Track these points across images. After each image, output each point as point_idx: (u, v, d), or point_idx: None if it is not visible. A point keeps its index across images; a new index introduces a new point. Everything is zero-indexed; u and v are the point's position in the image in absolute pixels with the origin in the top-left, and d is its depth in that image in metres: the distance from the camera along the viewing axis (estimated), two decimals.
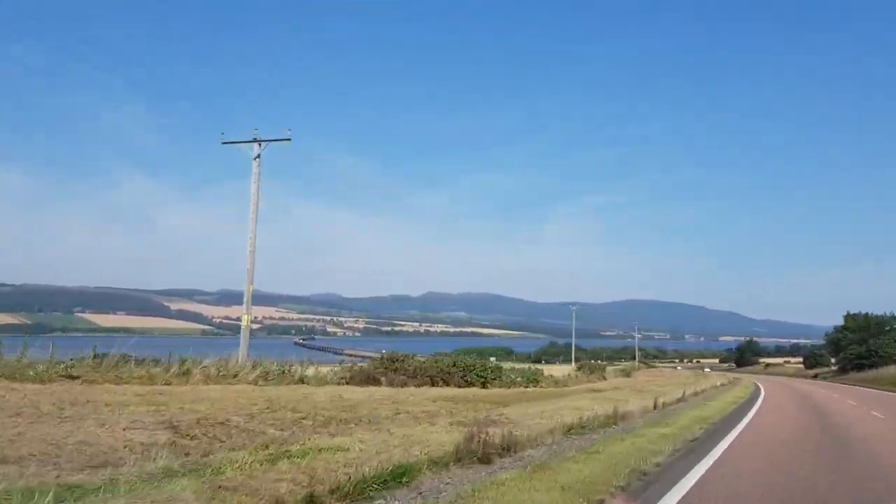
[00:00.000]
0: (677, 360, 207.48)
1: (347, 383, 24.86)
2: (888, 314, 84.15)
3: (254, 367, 22.80)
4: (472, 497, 7.05)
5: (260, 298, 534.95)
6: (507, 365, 51.23)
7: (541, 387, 37.08)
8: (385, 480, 7.26)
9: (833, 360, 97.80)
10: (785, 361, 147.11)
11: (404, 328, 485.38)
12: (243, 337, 27.09)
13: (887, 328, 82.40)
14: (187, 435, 9.66)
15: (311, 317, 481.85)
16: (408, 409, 16.29)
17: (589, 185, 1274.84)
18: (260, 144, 28.14)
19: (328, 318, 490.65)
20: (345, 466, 7.49)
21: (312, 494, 6.26)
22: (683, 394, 29.22)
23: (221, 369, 21.40)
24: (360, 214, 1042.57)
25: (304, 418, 12.87)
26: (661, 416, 19.28)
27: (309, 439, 9.88)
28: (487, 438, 9.57)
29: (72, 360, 18.16)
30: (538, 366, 64.05)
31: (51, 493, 5.37)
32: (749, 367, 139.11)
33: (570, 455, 10.43)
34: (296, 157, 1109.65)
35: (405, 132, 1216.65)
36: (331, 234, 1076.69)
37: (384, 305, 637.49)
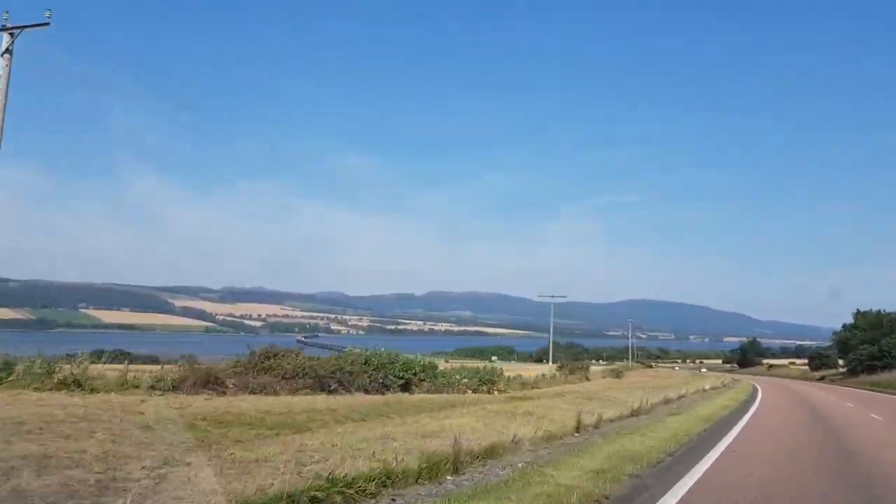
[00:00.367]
0: (679, 361, 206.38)
1: (174, 389, 17.74)
2: None
3: None
4: None
5: (265, 296, 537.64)
6: (476, 365, 45.50)
7: (498, 389, 32.26)
8: None
9: (841, 362, 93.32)
10: (790, 363, 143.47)
11: (408, 327, 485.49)
12: None
13: None
14: None
15: (315, 314, 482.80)
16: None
17: (592, 185, 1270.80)
18: (12, 34, 23.72)
19: (332, 316, 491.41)
20: None
21: None
22: (638, 407, 22.00)
23: None
24: (364, 213, 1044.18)
25: None
26: (567, 450, 12.48)
27: None
28: None
29: None
30: (524, 364, 62.55)
31: None
32: (751, 369, 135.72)
33: None
34: (299, 157, 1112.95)
35: (407, 132, 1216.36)
36: (335, 233, 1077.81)
37: (388, 304, 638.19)
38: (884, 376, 61.05)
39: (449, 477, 9.21)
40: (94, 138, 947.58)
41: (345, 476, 7.81)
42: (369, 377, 24.08)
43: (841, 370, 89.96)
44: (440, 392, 26.74)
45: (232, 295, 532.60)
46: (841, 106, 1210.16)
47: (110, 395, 15.71)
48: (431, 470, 9.05)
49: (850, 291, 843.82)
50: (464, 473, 9.54)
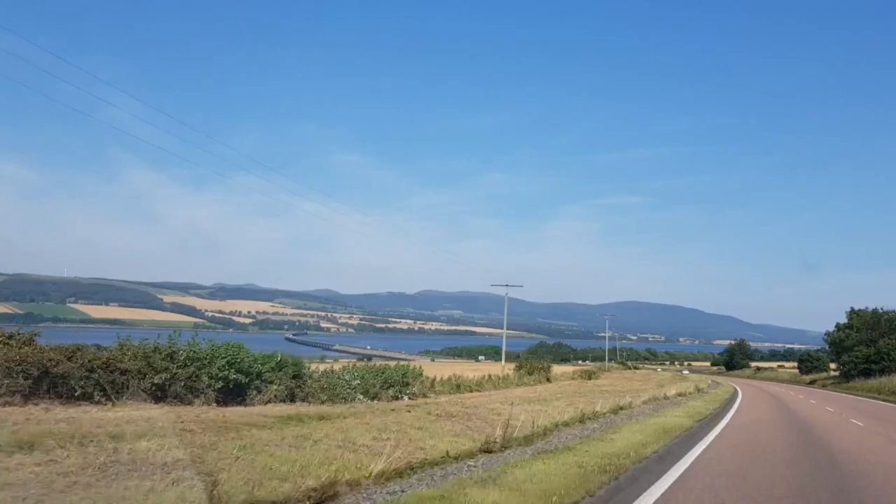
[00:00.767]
0: (667, 362, 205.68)
1: None
2: None
3: None
4: None
5: (256, 293, 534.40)
6: (387, 363, 36.66)
7: (409, 395, 25.95)
8: None
9: (833, 365, 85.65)
10: (778, 366, 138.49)
11: (399, 325, 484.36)
12: None
13: None
14: None
15: (306, 312, 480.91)
16: None
17: (590, 187, 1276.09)
18: None
19: (323, 313, 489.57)
20: None
21: None
22: (503, 437, 13.70)
23: None
24: (358, 212, 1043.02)
25: None
26: None
27: None
28: None
29: None
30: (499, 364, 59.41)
31: None
32: (738, 371, 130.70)
33: None
34: (294, 154, 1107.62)
35: (405, 131, 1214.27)
36: (329, 231, 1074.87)
37: (380, 302, 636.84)
38: (881, 381, 54.33)
39: None
40: (84, 132, 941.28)
41: None
42: (168, 377, 16.13)
43: (833, 374, 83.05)
44: (319, 401, 19.70)
45: (223, 292, 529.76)
46: (836, 114, 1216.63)
47: None
48: None
49: (842, 295, 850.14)
50: None
